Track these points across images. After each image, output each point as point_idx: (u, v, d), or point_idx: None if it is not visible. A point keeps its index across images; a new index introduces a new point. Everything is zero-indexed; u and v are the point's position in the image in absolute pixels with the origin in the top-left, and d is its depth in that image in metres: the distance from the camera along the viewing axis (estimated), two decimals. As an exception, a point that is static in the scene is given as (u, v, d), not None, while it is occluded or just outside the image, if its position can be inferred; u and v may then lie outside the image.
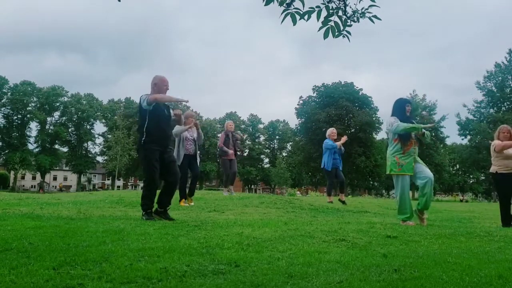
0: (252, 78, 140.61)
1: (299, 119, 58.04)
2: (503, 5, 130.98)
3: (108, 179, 79.83)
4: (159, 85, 5.32)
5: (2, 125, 65.89)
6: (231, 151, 9.59)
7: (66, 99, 70.15)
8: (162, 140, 5.26)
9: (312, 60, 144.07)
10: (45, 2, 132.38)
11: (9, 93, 65.67)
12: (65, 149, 72.19)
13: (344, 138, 9.81)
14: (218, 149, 9.97)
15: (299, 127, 59.16)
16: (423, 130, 5.37)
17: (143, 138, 5.13)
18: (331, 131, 9.97)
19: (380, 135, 60.52)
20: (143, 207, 5.26)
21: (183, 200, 7.61)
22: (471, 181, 69.14)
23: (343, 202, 9.25)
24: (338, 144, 9.51)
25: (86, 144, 72.79)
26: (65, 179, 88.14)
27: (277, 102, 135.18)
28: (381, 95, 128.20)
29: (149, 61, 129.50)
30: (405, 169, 5.36)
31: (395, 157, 5.37)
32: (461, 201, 41.41)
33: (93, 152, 73.62)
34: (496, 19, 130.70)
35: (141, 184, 79.31)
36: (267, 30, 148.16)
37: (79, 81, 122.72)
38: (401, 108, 5.52)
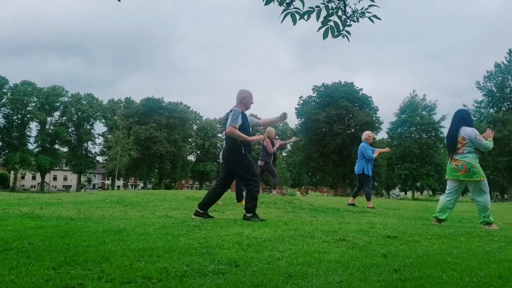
0: (251, 78, 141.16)
1: (299, 119, 58.10)
2: (499, 7, 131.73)
3: (108, 179, 79.87)
4: (248, 99, 5.67)
5: (2, 125, 65.89)
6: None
7: (66, 99, 70.18)
8: (250, 149, 5.70)
9: (310, 62, 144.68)
10: (45, 6, 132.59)
11: (9, 93, 65.66)
12: (65, 149, 72.25)
13: (386, 150, 9.75)
14: (265, 154, 9.93)
15: (299, 127, 59.18)
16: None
17: (242, 149, 5.43)
18: (368, 134, 9.55)
19: (380, 135, 60.58)
20: (252, 209, 5.35)
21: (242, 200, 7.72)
22: (471, 181, 68.92)
23: (354, 205, 9.14)
24: (376, 154, 9.31)
25: (86, 144, 72.84)
26: (65, 179, 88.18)
27: (277, 103, 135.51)
28: (379, 96, 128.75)
29: (148, 62, 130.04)
30: (484, 175, 5.67)
31: (474, 166, 5.57)
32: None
33: (93, 152, 73.73)
34: (492, 21, 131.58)
35: (141, 185, 78.75)
36: (265, 32, 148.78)
37: (80, 83, 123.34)
38: (472, 120, 5.89)
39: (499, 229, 5.55)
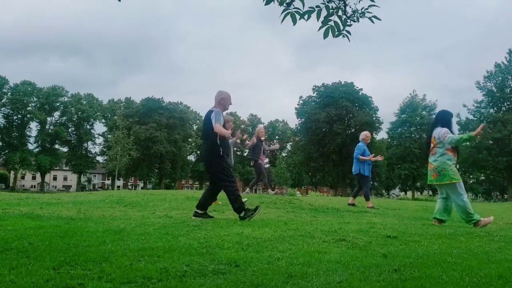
0: (251, 79, 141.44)
1: (299, 119, 58.08)
2: (499, 7, 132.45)
3: (108, 179, 79.85)
4: (226, 100, 5.67)
5: (2, 125, 65.87)
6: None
7: (66, 99, 70.18)
8: (229, 150, 5.71)
9: (310, 62, 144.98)
10: (45, 7, 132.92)
11: (9, 93, 65.65)
12: (65, 149, 72.24)
13: (378, 157, 9.53)
14: (249, 150, 9.93)
15: (299, 127, 59.17)
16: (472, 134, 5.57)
17: (221, 151, 5.42)
18: (366, 134, 9.41)
19: (380, 135, 60.61)
20: (240, 209, 5.36)
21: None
22: (471, 181, 69.13)
23: (354, 205, 9.05)
24: (369, 158, 9.04)
25: (86, 144, 72.83)
26: (65, 179, 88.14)
27: (277, 103, 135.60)
28: (379, 96, 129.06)
29: (148, 63, 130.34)
30: (457, 177, 5.59)
31: (452, 166, 5.53)
32: None
33: (93, 152, 73.73)
34: (492, 21, 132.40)
35: (141, 185, 78.66)
36: (265, 33, 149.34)
37: (80, 83, 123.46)
38: (449, 121, 5.76)
39: (492, 218, 5.63)
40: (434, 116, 6.11)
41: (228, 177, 5.45)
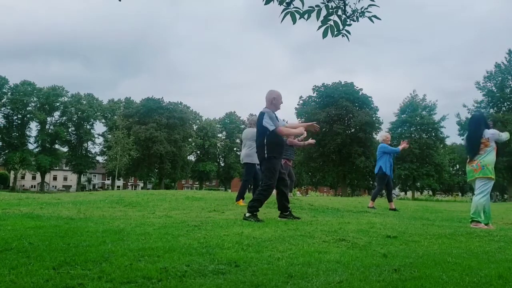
0: (250, 81, 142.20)
1: (299, 119, 57.94)
2: (493, 11, 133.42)
3: (108, 179, 79.83)
4: (278, 99, 5.65)
5: (2, 125, 65.80)
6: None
7: (66, 99, 70.07)
8: (281, 153, 5.63)
9: (308, 65, 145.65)
10: (47, 13, 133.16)
11: (9, 93, 65.57)
12: (65, 149, 72.16)
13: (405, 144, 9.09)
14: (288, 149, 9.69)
15: (299, 127, 59.08)
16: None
17: (266, 153, 5.41)
18: (386, 136, 9.21)
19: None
20: (251, 209, 5.37)
21: (242, 200, 7.74)
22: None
23: (395, 209, 8.78)
24: (401, 147, 8.84)
25: (86, 144, 72.78)
26: (65, 179, 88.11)
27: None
28: (376, 99, 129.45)
29: (148, 67, 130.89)
30: (494, 176, 5.82)
31: (489, 165, 5.78)
32: None
33: (93, 152, 73.66)
34: (485, 25, 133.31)
35: (141, 185, 78.54)
36: (264, 36, 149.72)
37: (81, 86, 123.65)
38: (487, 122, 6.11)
39: (492, 228, 5.54)
40: (474, 119, 6.39)
41: (268, 179, 5.46)
